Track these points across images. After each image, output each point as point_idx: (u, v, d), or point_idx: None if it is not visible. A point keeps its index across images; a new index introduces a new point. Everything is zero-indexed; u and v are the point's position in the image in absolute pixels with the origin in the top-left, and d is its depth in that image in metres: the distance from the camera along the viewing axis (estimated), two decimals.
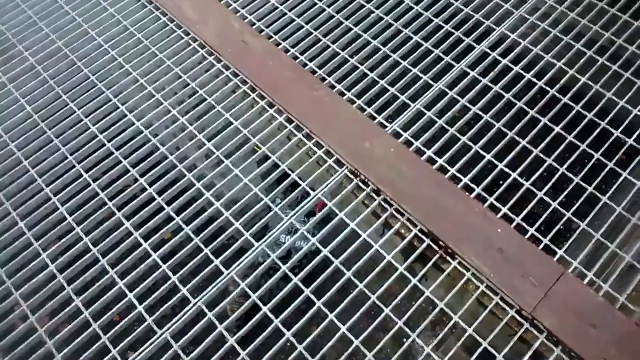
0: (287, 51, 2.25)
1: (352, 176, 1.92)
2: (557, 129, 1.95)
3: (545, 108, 2.02)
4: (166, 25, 2.36)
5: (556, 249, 1.71)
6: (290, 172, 1.96)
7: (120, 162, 2.01)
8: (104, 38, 2.34)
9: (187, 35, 2.32)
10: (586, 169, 1.87)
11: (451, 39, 2.23)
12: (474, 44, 2.20)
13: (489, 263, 1.67)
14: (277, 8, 2.39)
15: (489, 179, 1.86)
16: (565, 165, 1.87)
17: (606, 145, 1.89)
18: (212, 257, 1.79)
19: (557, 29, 2.21)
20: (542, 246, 1.72)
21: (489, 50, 2.18)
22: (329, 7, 2.37)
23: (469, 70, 2.14)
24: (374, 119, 2.05)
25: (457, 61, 2.16)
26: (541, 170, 1.86)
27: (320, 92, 2.10)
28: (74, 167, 2.01)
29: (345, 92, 2.12)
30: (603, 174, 1.83)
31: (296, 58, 2.22)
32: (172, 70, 2.23)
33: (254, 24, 2.33)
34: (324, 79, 2.16)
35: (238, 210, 1.88)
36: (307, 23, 2.32)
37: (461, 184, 1.86)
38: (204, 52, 2.26)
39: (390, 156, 1.92)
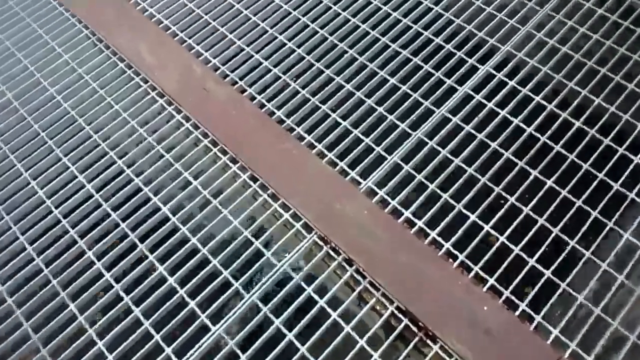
0: (253, 98, 2.06)
1: (321, 242, 1.72)
2: (549, 182, 1.75)
3: (537, 158, 1.82)
4: (124, 72, 2.19)
5: (551, 328, 1.51)
6: (253, 240, 1.77)
7: (67, 232, 1.83)
8: (58, 88, 2.17)
9: (146, 82, 2.14)
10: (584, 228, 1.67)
11: (431, 79, 2.04)
12: (456, 86, 2.01)
13: (475, 348, 1.47)
14: (242, 50, 2.20)
15: (474, 243, 1.66)
16: (559, 226, 1.67)
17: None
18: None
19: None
20: (534, 324, 1.52)
21: (472, 92, 1.99)
22: (298, 47, 2.18)
23: (449, 116, 1.95)
24: (346, 174, 1.85)
25: (437, 106, 1.97)
26: (532, 232, 1.66)
27: (287, 145, 1.91)
28: (18, 238, 1.84)
29: (315, 143, 1.92)
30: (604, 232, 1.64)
31: (262, 106, 2.04)
32: (127, 123, 2.04)
33: (217, 68, 2.15)
34: (291, 129, 1.97)
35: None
36: (275, 66, 2.14)
37: (442, 250, 1.66)
38: (162, 102, 2.08)
39: (363, 218, 1.73)
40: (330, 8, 2.28)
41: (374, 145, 1.90)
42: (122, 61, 2.21)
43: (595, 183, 1.74)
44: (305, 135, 1.95)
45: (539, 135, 1.86)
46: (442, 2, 2.26)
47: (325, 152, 1.90)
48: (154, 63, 2.15)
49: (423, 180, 1.81)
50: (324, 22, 2.25)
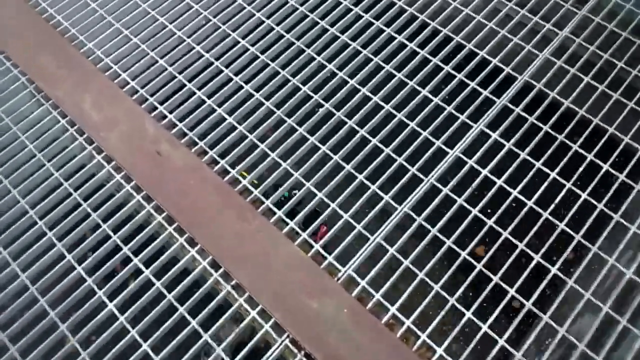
0: (214, 162, 1.79)
1: (294, 348, 1.48)
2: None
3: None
4: (65, 131, 1.90)
5: None
6: (210, 343, 1.51)
7: None
8: None
9: (91, 143, 1.85)
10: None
11: (411, 148, 1.79)
12: (447, 148, 1.76)
13: None
14: (202, 103, 1.92)
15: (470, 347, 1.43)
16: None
17: None
18: None
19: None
20: None
21: (462, 156, 1.74)
22: (266, 99, 1.91)
23: (438, 185, 1.70)
24: (323, 258, 1.61)
25: (424, 174, 1.72)
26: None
27: (254, 224, 1.65)
28: None
29: (287, 220, 1.67)
30: None
31: (225, 172, 1.77)
32: (69, 195, 1.76)
33: (174, 125, 1.87)
34: (259, 202, 1.71)
35: None
36: (240, 122, 1.87)
37: (435, 357, 1.43)
38: (110, 168, 1.80)
39: (342, 318, 1.48)
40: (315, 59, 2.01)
41: (354, 223, 1.65)
42: (64, 117, 1.91)
43: None
44: (275, 209, 1.69)
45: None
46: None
47: (299, 230, 1.65)
48: (100, 121, 1.87)
49: (410, 265, 1.57)
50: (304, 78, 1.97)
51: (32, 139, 1.88)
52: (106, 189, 1.77)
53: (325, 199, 1.70)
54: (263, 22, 2.09)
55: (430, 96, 1.88)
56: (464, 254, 1.58)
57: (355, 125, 1.83)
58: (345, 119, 1.85)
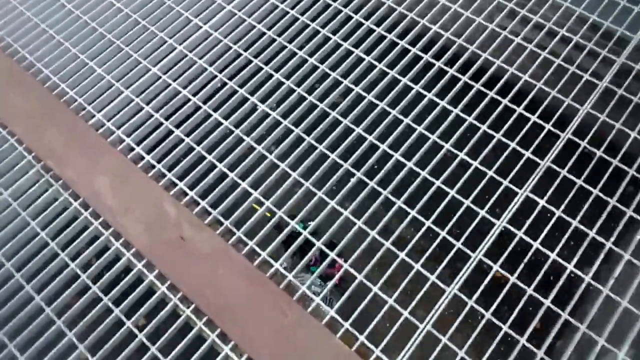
0: (243, 244, 1.67)
1: None
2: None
3: None
4: (78, 215, 1.77)
5: None
6: None
7: None
8: None
9: (107, 228, 1.72)
10: None
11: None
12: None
13: None
14: (224, 176, 1.80)
15: None
16: None
17: None
18: None
19: None
20: None
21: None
22: (305, 177, 1.79)
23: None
24: (369, 350, 1.48)
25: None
26: None
27: (291, 318, 1.53)
28: None
29: (326, 308, 1.54)
30: None
31: (254, 254, 1.65)
32: (88, 288, 1.63)
33: (197, 204, 1.75)
34: (294, 291, 1.59)
35: None
36: (266, 196, 1.75)
37: None
38: (130, 255, 1.67)
39: None
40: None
41: (400, 309, 1.53)
42: (77, 199, 1.78)
43: None
44: (313, 296, 1.57)
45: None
46: None
47: (348, 326, 1.51)
48: (116, 205, 1.74)
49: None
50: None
51: (41, 225, 1.75)
52: (127, 281, 1.64)
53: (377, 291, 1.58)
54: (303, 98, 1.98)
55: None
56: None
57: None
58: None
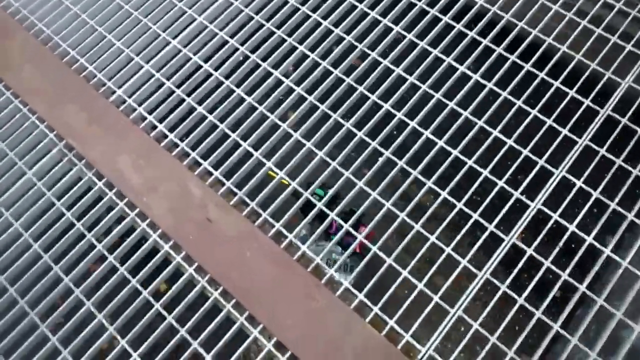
0: (270, 226, 1.64)
1: None
2: None
3: None
4: (103, 194, 1.75)
5: None
6: None
7: None
8: (15, 210, 1.74)
9: (133, 208, 1.71)
10: None
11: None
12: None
13: None
14: (249, 155, 1.76)
15: None
16: None
17: None
18: None
19: None
20: None
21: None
22: (318, 147, 1.74)
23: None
24: (399, 335, 1.47)
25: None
26: None
27: (321, 303, 1.51)
28: None
29: (357, 295, 1.52)
30: None
31: (280, 236, 1.62)
32: (115, 270, 1.63)
33: (222, 184, 1.72)
34: (321, 275, 1.56)
35: None
36: (291, 178, 1.71)
37: None
38: (156, 236, 1.66)
39: None
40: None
41: (430, 293, 1.50)
42: (100, 178, 1.76)
43: None
44: (347, 285, 1.54)
45: None
46: None
47: (377, 310, 1.50)
48: (140, 184, 1.71)
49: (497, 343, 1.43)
50: None
51: (67, 205, 1.74)
52: (154, 262, 1.64)
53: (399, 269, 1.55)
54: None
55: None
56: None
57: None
58: None
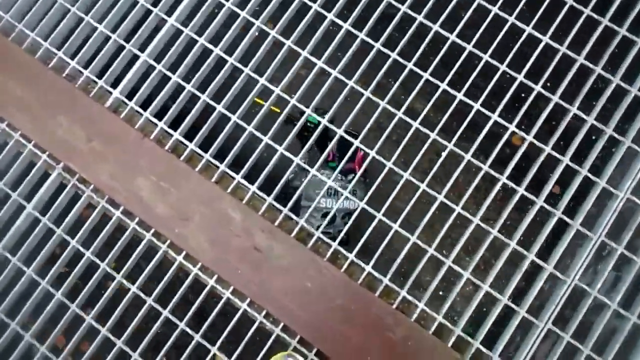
0: (327, 245, 1.45)
1: None
2: None
3: None
4: (124, 230, 1.50)
5: None
6: None
7: None
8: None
9: (164, 241, 1.47)
10: None
11: None
12: None
13: None
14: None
15: None
16: None
17: None
18: None
19: None
20: None
21: None
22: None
23: None
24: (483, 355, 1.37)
25: None
26: None
27: (398, 332, 1.37)
28: None
29: (444, 321, 1.38)
30: None
31: (337, 255, 1.44)
32: (159, 315, 1.44)
33: (261, 203, 1.48)
34: (391, 292, 1.41)
35: None
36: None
37: None
38: (198, 270, 1.45)
39: None
40: None
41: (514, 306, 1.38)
42: (129, 215, 1.49)
43: None
44: (424, 308, 1.40)
45: None
46: None
47: (453, 328, 1.38)
48: (169, 215, 1.46)
49: None
50: None
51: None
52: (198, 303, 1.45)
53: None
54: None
55: None
56: None
57: None
58: None
